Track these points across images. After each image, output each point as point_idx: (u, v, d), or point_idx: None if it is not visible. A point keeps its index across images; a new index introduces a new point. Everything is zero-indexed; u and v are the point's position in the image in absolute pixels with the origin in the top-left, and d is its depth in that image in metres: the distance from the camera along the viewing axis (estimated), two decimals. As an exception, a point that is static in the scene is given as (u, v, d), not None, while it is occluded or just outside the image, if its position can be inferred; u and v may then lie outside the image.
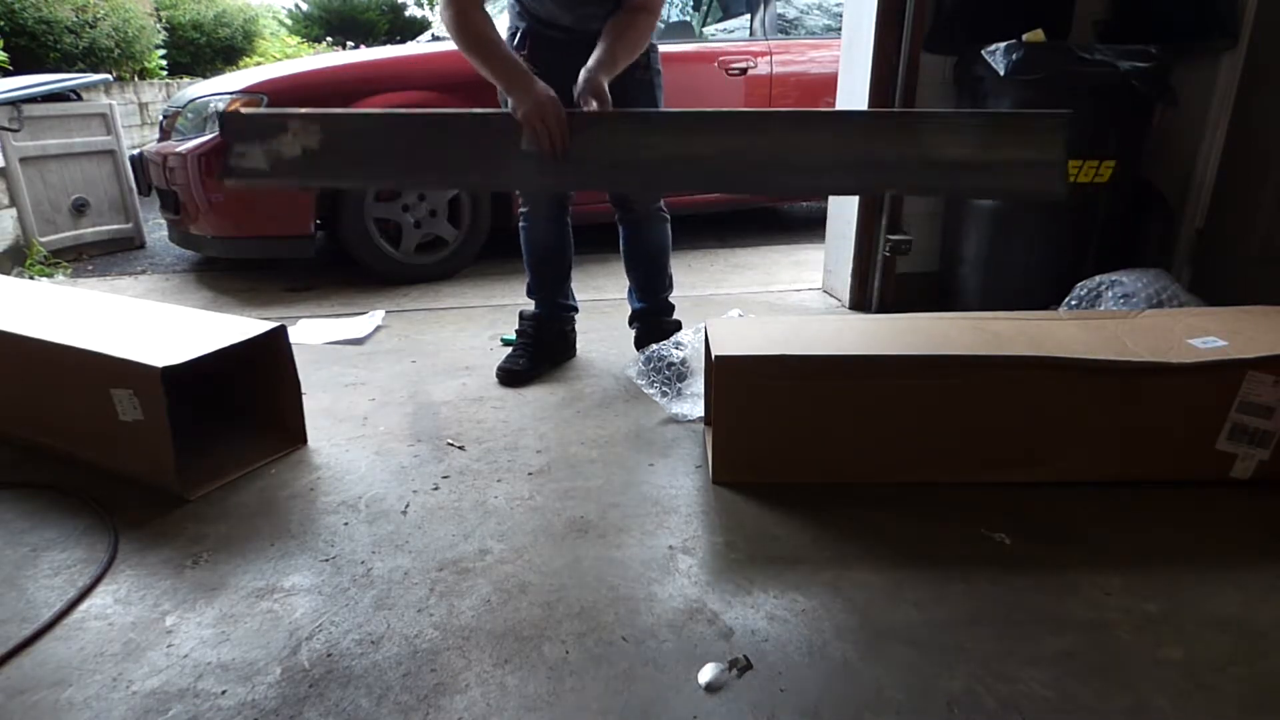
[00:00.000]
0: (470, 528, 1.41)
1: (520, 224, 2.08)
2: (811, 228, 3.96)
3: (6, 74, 4.40)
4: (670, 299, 2.20)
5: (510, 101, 1.58)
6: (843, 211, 2.70)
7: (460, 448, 1.71)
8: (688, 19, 3.95)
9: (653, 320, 2.17)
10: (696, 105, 3.58)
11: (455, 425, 1.82)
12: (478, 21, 1.65)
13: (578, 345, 2.26)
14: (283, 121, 1.60)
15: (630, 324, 2.23)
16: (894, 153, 1.47)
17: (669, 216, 2.11)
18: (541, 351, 2.13)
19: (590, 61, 1.67)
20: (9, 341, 1.61)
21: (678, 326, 2.14)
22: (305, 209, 2.95)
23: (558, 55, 1.79)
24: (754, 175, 1.55)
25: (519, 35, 1.86)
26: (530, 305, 2.18)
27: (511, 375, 2.05)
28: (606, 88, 1.64)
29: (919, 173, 1.47)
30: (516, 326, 2.18)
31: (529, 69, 1.74)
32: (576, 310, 2.24)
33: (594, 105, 1.60)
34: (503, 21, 1.90)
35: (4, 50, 4.78)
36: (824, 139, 1.49)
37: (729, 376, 1.48)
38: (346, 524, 1.42)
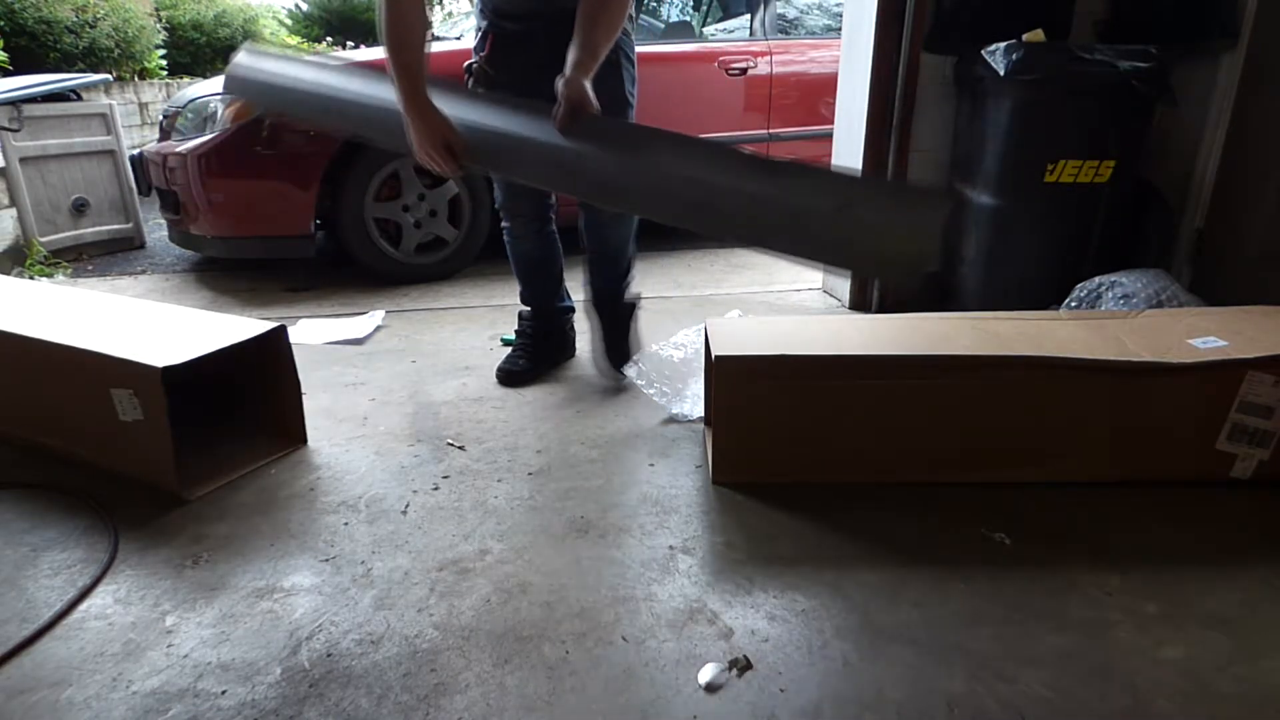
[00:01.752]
0: (470, 528, 1.41)
1: (504, 237, 2.05)
2: (811, 228, 3.96)
3: (6, 74, 4.40)
4: (629, 281, 2.09)
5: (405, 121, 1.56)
6: (843, 211, 2.69)
7: (460, 448, 1.71)
8: (688, 19, 3.95)
9: (609, 304, 2.06)
10: (696, 105, 3.58)
11: (455, 425, 1.82)
12: (409, 21, 1.54)
13: (577, 345, 2.25)
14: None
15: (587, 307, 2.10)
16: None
17: None
18: (541, 352, 2.12)
19: (569, 58, 1.55)
20: (9, 341, 1.61)
21: (630, 310, 2.07)
22: (305, 209, 2.95)
23: (513, 53, 1.75)
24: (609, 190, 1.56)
25: (480, 36, 1.81)
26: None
27: (511, 376, 2.05)
28: (589, 90, 1.53)
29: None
30: (516, 327, 2.17)
31: (487, 74, 1.74)
32: (574, 310, 2.21)
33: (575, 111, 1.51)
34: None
35: (4, 50, 4.78)
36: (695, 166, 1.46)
37: (729, 376, 1.48)
38: (346, 524, 1.42)
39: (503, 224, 2.03)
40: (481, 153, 1.59)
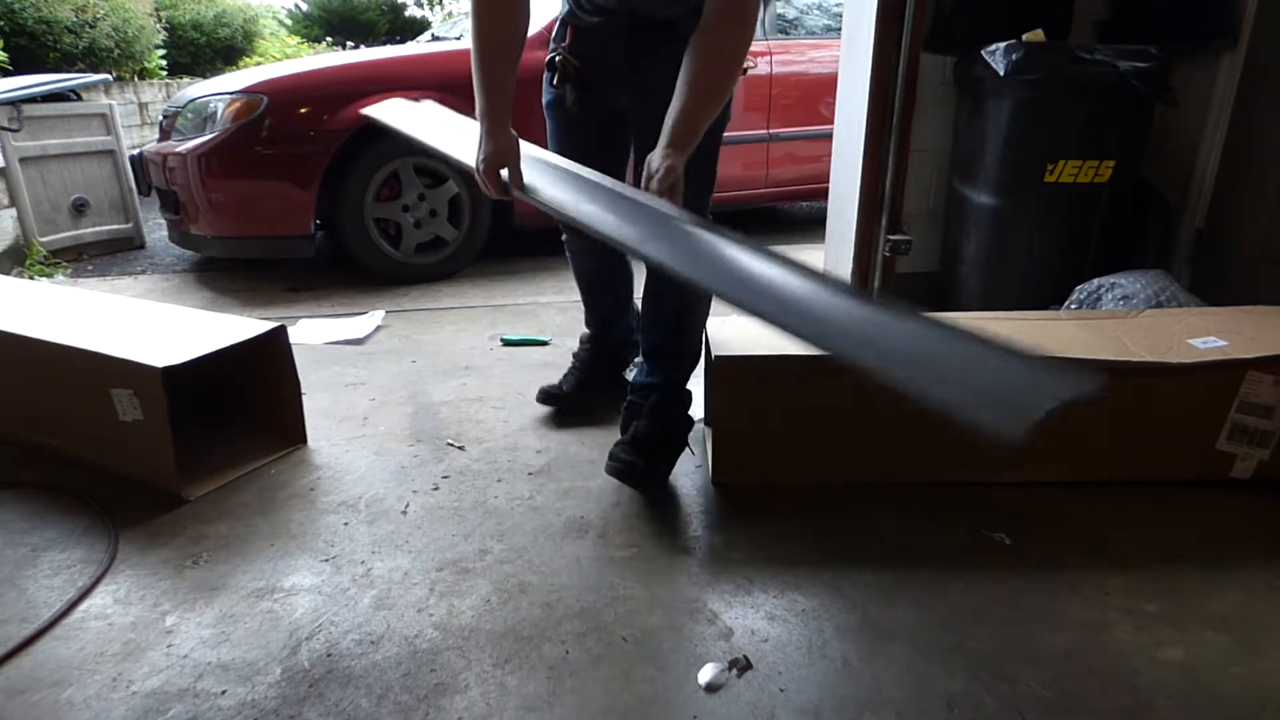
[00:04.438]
0: (470, 528, 1.41)
1: (566, 251, 1.79)
2: (811, 228, 3.96)
3: (6, 74, 4.40)
4: (688, 384, 1.64)
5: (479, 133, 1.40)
6: (843, 212, 2.70)
7: (460, 448, 1.71)
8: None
9: (657, 406, 1.59)
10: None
11: (455, 425, 1.82)
12: (508, 33, 1.37)
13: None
14: None
15: (625, 398, 1.69)
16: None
17: None
18: (593, 379, 1.86)
19: (665, 128, 1.26)
20: (9, 341, 1.61)
21: (687, 425, 1.62)
22: (305, 209, 2.95)
23: (591, 50, 1.49)
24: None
25: (559, 25, 1.56)
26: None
27: (551, 399, 1.83)
28: (682, 178, 1.26)
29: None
30: (573, 350, 1.95)
31: (573, 66, 1.50)
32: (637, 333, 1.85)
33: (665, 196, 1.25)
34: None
35: (4, 50, 4.78)
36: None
37: (729, 376, 1.48)
38: (346, 524, 1.42)
39: (563, 234, 1.77)
40: (538, 195, 1.37)
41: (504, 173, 1.40)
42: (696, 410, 1.70)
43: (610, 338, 1.90)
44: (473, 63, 1.37)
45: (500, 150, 1.38)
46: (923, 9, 2.32)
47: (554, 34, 1.57)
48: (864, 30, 2.45)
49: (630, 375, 1.81)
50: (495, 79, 1.37)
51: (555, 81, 1.54)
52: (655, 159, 1.26)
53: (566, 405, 1.85)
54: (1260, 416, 1.43)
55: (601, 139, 1.57)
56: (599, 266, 1.80)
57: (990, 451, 1.49)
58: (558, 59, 1.53)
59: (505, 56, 1.38)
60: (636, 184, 1.35)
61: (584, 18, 1.49)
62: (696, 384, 1.69)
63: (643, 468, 1.49)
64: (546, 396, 1.86)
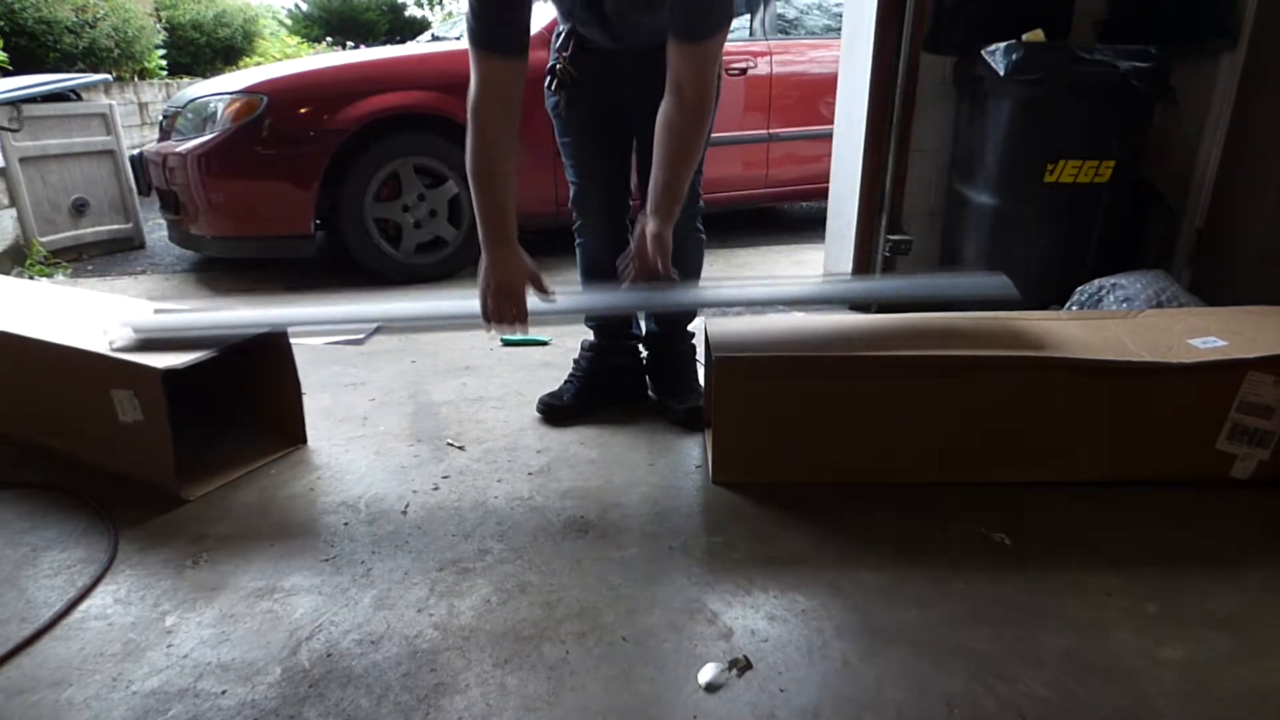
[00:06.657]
0: (470, 528, 1.41)
1: (576, 240, 1.84)
2: (811, 228, 3.96)
3: (6, 74, 4.40)
4: (689, 327, 1.92)
5: (482, 260, 1.47)
6: (843, 211, 2.70)
7: (460, 448, 1.71)
8: (688, 19, 3.95)
9: (665, 347, 1.90)
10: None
11: (455, 425, 1.82)
12: (495, 149, 1.40)
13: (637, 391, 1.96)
14: None
15: (643, 348, 1.95)
16: None
17: (705, 235, 1.81)
18: (594, 388, 1.87)
19: (649, 199, 1.46)
20: (9, 341, 1.61)
21: (692, 351, 1.91)
22: (305, 209, 2.95)
23: (598, 63, 1.60)
24: None
25: (562, 35, 1.62)
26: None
27: (552, 411, 1.83)
28: (669, 249, 1.47)
29: None
30: (575, 356, 1.95)
31: (570, 75, 1.60)
32: (640, 339, 1.94)
33: (657, 264, 1.46)
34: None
35: (4, 50, 4.78)
36: None
37: (729, 376, 1.48)
38: (346, 524, 1.42)
39: (574, 224, 1.83)
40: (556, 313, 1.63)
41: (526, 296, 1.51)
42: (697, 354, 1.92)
43: (610, 336, 1.90)
44: (472, 186, 1.43)
45: (520, 269, 1.49)
46: (923, 9, 2.33)
47: (556, 42, 1.63)
48: (864, 30, 2.45)
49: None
50: (500, 196, 1.43)
51: (554, 88, 1.63)
52: (648, 226, 1.46)
53: (567, 417, 1.84)
54: (1260, 416, 1.43)
55: (602, 127, 1.69)
56: (605, 252, 1.77)
57: (990, 451, 1.50)
58: (558, 66, 1.62)
59: (501, 173, 1.42)
60: (640, 172, 1.63)
61: (586, 41, 1.60)
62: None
63: (695, 407, 1.80)
64: (546, 408, 1.85)
